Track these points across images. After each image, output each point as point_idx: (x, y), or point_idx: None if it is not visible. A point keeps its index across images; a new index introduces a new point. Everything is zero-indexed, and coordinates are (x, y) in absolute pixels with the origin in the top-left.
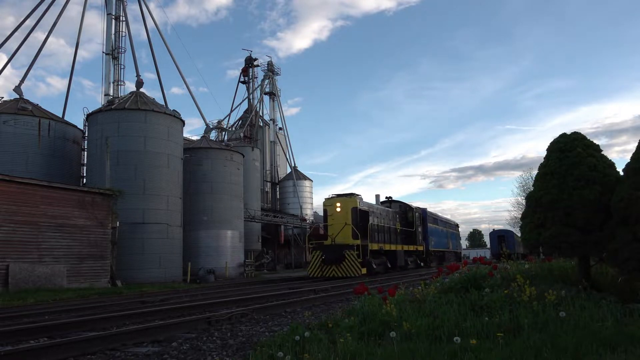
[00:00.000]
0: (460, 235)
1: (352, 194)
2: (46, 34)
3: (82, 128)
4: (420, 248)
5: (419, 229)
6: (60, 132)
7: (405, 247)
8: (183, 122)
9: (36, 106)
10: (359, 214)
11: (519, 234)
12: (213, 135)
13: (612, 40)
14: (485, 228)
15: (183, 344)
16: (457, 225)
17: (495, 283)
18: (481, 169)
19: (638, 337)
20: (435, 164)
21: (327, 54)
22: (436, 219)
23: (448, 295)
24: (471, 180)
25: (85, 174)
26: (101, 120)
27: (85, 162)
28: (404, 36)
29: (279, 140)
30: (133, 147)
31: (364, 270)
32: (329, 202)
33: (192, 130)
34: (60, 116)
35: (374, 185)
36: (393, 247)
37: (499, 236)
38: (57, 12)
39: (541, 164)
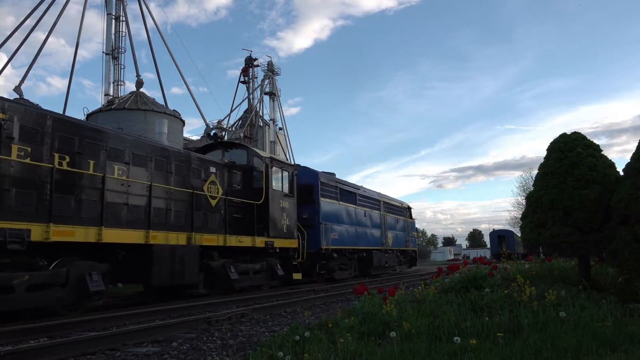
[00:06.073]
0: (459, 234)
1: None
2: (46, 34)
3: None
4: (286, 243)
5: (283, 205)
6: None
7: (209, 239)
8: (183, 122)
9: (36, 106)
10: None
11: (519, 234)
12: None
13: (612, 40)
14: (485, 228)
15: (183, 344)
16: (408, 208)
17: (495, 283)
18: (481, 169)
19: (638, 337)
20: (434, 164)
21: (327, 54)
22: (352, 193)
23: (448, 295)
24: (471, 180)
25: None
26: (101, 120)
27: None
28: (405, 36)
29: (279, 140)
30: None
31: None
32: None
33: (192, 130)
34: None
35: (373, 185)
36: (156, 238)
37: (499, 236)
38: (57, 12)
39: (541, 164)
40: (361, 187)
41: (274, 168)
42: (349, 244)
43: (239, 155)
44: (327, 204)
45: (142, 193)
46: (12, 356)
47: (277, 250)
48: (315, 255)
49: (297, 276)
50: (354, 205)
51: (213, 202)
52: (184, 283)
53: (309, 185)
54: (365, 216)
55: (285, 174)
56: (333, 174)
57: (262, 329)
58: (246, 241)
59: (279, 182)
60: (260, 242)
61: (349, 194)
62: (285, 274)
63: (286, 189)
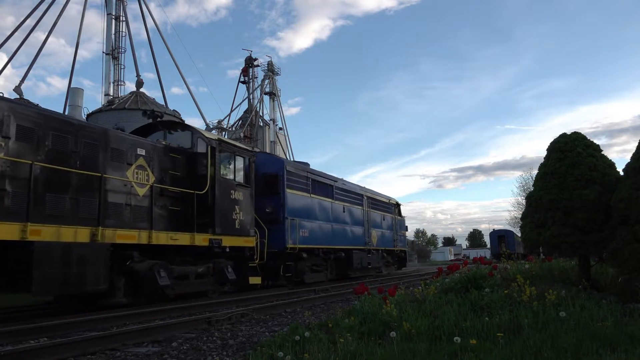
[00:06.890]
0: (459, 235)
1: None
2: (46, 34)
3: None
4: (239, 242)
5: (235, 196)
6: None
7: (125, 235)
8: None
9: (36, 106)
10: None
11: (519, 234)
12: None
13: (612, 40)
14: (485, 228)
15: (183, 344)
16: (396, 205)
17: (495, 283)
18: (481, 169)
19: (638, 337)
20: (434, 164)
21: (327, 54)
22: (328, 186)
23: (448, 295)
24: (471, 180)
25: None
26: (101, 120)
27: None
28: (405, 36)
29: (279, 140)
30: None
31: None
32: None
33: None
34: None
35: (373, 185)
36: (39, 233)
37: (499, 236)
38: (57, 12)
39: (541, 164)
40: (340, 179)
41: (223, 152)
42: (323, 242)
43: (184, 138)
44: (295, 197)
45: (21, 176)
46: (12, 356)
47: (227, 249)
48: (280, 255)
49: (255, 280)
50: (330, 199)
51: (141, 191)
52: (86, 291)
53: (273, 175)
54: (344, 212)
55: (239, 159)
56: (307, 164)
57: (262, 329)
58: (182, 239)
59: (230, 168)
60: (202, 239)
61: (324, 186)
62: (239, 278)
63: (240, 178)
